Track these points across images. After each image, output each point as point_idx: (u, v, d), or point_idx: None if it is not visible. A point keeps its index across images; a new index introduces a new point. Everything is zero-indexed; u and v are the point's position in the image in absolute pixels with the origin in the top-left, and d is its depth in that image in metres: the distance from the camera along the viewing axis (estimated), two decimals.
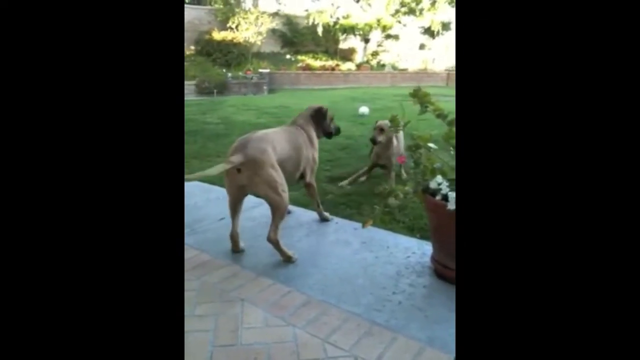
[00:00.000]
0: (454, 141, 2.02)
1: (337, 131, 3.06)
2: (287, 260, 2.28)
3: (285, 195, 2.26)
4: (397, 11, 17.17)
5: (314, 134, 2.84)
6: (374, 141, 3.58)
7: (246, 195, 2.34)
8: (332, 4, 16.87)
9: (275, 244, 2.27)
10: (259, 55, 14.88)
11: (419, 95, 2.08)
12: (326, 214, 2.89)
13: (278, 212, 2.25)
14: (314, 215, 2.94)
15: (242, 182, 2.21)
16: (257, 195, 2.30)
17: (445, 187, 1.99)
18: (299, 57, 15.91)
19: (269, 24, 14.73)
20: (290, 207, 2.97)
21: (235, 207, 2.37)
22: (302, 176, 2.72)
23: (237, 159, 2.15)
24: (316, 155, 2.81)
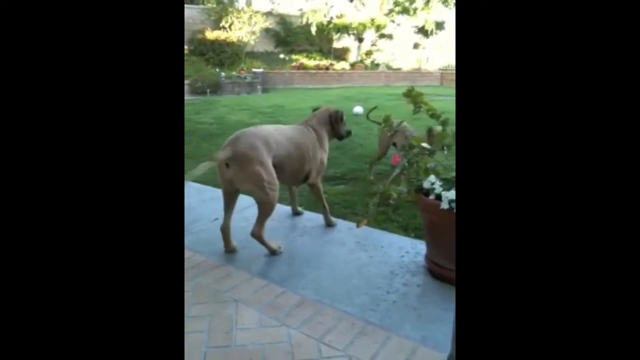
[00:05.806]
0: (446, 141, 2.03)
1: (348, 134, 2.95)
2: (272, 253, 2.33)
3: (273, 193, 2.25)
4: (391, 11, 17.19)
5: (325, 136, 2.77)
6: None
7: (237, 190, 2.34)
8: (326, 4, 16.84)
9: (259, 238, 2.32)
10: (253, 55, 14.84)
11: (412, 95, 2.09)
12: (332, 219, 2.78)
13: (262, 208, 2.27)
14: (308, 215, 2.94)
15: (229, 176, 2.22)
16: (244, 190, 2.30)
17: (438, 187, 2.00)
18: (293, 57, 15.88)
19: (262, 23, 14.70)
20: (285, 207, 2.98)
21: (227, 201, 2.39)
22: (307, 177, 2.67)
23: (224, 153, 2.16)
24: (325, 157, 2.75)
